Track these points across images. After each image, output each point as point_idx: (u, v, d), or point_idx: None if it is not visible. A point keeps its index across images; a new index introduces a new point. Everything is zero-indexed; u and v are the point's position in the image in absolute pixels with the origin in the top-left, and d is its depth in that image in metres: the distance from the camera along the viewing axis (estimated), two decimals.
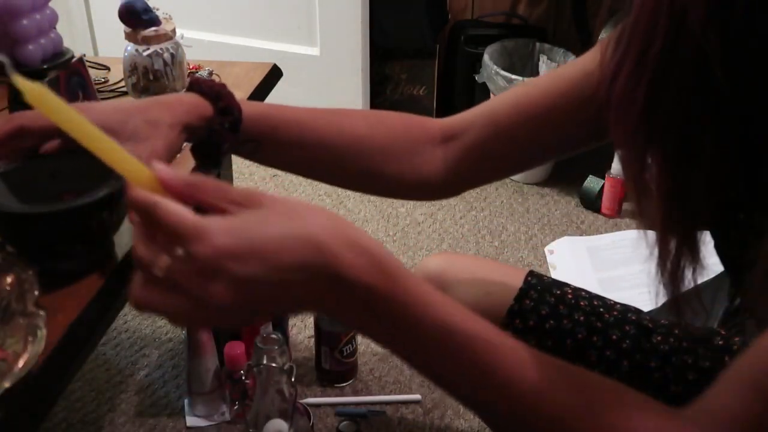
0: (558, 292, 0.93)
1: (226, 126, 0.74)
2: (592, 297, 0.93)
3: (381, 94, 2.45)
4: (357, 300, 0.48)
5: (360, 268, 0.47)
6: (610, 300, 0.93)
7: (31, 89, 0.41)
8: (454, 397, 0.55)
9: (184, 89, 1.27)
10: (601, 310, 0.91)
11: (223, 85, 0.75)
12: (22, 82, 0.41)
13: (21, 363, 0.62)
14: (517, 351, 0.53)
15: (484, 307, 0.99)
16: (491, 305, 0.97)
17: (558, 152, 0.85)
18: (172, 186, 0.46)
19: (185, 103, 0.73)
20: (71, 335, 0.73)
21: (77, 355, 0.76)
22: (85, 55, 1.15)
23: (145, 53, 1.18)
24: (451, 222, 2.03)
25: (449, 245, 1.94)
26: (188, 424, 1.38)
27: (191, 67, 1.32)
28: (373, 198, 2.14)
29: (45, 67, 0.95)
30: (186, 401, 1.42)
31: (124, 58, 1.21)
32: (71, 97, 0.96)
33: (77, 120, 0.43)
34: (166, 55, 1.20)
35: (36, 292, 0.70)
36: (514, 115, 0.79)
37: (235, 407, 1.38)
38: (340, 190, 2.18)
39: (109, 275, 0.79)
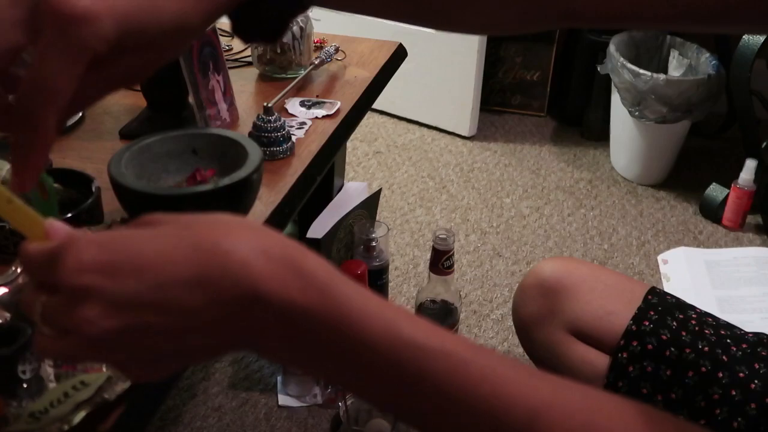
0: (681, 315, 0.86)
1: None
2: (719, 325, 0.86)
3: (493, 76, 2.37)
4: (284, 325, 0.37)
5: (281, 281, 0.36)
6: (739, 329, 0.86)
7: None
8: None
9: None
10: (728, 341, 0.83)
11: None
12: None
13: None
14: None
15: (604, 327, 0.92)
16: (611, 325, 0.90)
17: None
18: (58, 237, 0.39)
19: None
20: None
21: None
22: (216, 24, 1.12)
23: None
24: (558, 218, 1.95)
25: (555, 243, 1.85)
26: (280, 402, 1.37)
27: (316, 41, 1.27)
28: (477, 185, 2.07)
29: None
30: (279, 379, 1.40)
31: None
32: (203, 67, 0.93)
33: None
34: (296, 29, 1.16)
35: None
36: None
37: (328, 391, 1.35)
38: (444, 174, 2.11)
39: None
